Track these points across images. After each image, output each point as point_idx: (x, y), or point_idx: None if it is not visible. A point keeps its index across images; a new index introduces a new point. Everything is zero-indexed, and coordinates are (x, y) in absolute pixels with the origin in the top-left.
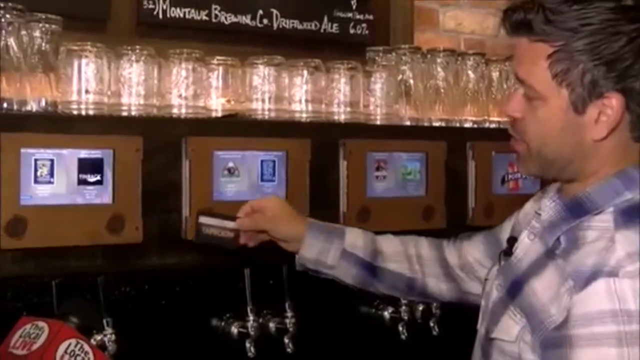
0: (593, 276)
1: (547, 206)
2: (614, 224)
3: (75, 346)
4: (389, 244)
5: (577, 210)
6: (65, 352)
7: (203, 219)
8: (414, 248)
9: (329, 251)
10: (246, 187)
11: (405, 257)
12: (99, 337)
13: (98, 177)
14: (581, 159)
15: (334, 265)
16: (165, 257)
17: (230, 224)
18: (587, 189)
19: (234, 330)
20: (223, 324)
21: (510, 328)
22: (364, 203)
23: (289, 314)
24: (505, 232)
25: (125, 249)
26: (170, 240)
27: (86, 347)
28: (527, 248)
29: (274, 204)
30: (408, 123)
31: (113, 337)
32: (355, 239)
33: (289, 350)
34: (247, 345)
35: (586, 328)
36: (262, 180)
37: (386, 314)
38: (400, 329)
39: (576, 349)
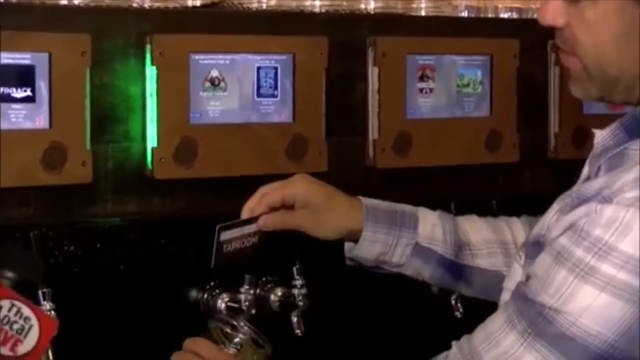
0: (587, 199)
1: (605, 129)
2: None
3: (10, 310)
4: (477, 231)
5: (635, 130)
6: None
7: (225, 235)
8: (509, 232)
9: (395, 247)
10: (236, 105)
11: (500, 247)
12: None
13: (28, 92)
14: None
15: (401, 264)
16: (124, 204)
17: (252, 228)
18: None
19: (221, 304)
20: (206, 296)
21: (514, 273)
22: (403, 127)
23: (299, 282)
24: None
25: (68, 192)
26: (130, 181)
27: (26, 311)
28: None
29: (302, 189)
30: (464, 14)
31: (52, 314)
32: (431, 227)
33: (298, 332)
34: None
35: (554, 248)
36: (258, 95)
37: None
38: (454, 302)
39: (544, 254)
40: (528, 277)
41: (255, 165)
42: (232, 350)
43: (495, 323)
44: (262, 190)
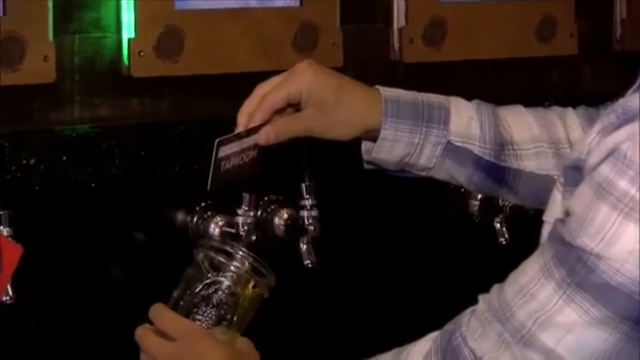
0: (632, 118)
1: None
2: None
3: None
4: (523, 126)
5: None
6: None
7: (223, 151)
8: (562, 128)
9: (422, 147)
10: None
11: (551, 146)
12: None
13: None
14: None
15: (430, 167)
16: (95, 107)
17: (251, 140)
18: None
19: (215, 229)
20: (196, 219)
21: (554, 202)
22: (436, 13)
23: (308, 202)
24: None
25: (27, 93)
26: (102, 79)
27: None
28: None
29: (309, 83)
30: None
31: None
32: (466, 122)
33: (307, 262)
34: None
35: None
36: None
37: (474, 203)
38: (498, 226)
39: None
40: (567, 214)
41: (254, 59)
42: (226, 281)
43: (529, 272)
44: (261, 89)
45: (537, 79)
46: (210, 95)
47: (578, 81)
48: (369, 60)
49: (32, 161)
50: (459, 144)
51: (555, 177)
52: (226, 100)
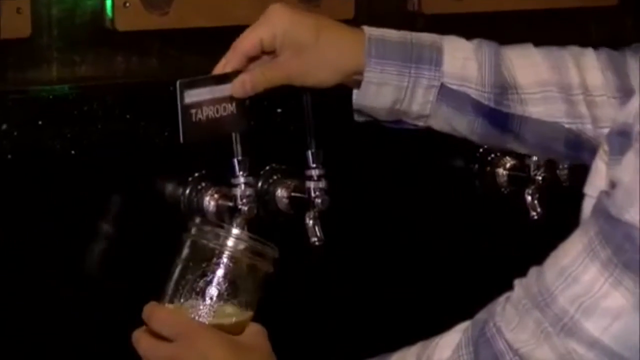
0: None
1: None
2: None
3: None
4: (529, 67)
5: None
6: None
7: (190, 96)
8: (575, 72)
9: (413, 91)
10: None
11: (561, 90)
12: None
13: None
14: None
15: (425, 114)
16: (75, 65)
17: (226, 90)
18: None
19: (210, 202)
20: (189, 191)
21: (597, 172)
22: None
23: (315, 172)
24: None
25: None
26: (83, 33)
27: None
28: None
29: (283, 25)
30: None
31: None
32: (462, 63)
33: (314, 240)
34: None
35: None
36: None
37: (502, 173)
38: (530, 199)
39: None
40: (613, 185)
41: (253, 11)
42: (224, 268)
43: (572, 251)
44: (236, 41)
45: (573, 33)
46: (204, 51)
47: (618, 34)
48: (384, 11)
49: (4, 126)
50: (454, 87)
51: (565, 125)
52: (221, 56)
